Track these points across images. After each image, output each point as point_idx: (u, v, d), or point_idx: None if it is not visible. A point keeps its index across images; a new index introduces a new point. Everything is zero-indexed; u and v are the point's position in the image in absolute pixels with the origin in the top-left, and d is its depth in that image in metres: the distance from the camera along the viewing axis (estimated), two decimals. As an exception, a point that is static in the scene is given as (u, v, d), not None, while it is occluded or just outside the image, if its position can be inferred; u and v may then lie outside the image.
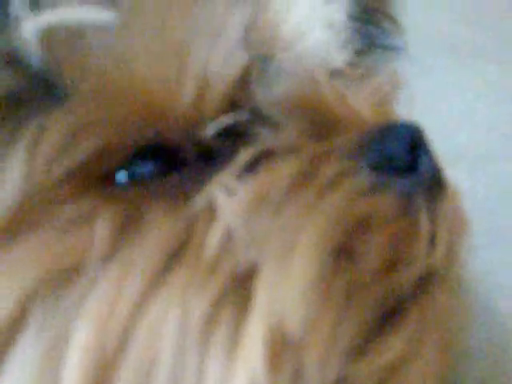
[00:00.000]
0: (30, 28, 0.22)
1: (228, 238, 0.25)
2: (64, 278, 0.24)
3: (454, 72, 0.53)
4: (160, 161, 0.27)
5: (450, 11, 0.62)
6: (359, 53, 0.44)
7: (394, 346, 0.26)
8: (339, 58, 0.35)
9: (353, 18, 0.42)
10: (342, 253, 0.25)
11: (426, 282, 0.27)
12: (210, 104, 0.27)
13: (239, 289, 0.24)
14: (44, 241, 0.24)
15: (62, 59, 0.24)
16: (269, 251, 0.24)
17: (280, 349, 0.23)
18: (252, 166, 0.26)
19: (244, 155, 0.26)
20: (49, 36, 0.23)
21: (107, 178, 0.26)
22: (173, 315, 0.24)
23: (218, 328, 0.23)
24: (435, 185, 0.28)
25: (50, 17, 0.22)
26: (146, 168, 0.26)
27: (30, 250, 0.24)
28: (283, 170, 0.26)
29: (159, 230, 0.25)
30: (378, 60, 0.48)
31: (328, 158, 0.27)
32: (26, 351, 0.24)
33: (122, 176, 0.26)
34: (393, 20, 0.45)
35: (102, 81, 0.25)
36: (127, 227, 0.25)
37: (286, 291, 0.23)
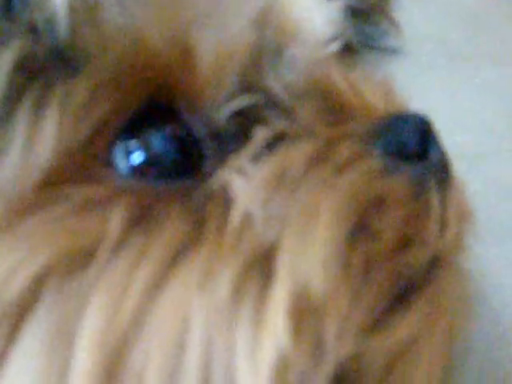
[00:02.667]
0: (59, 1, 0.22)
1: (246, 218, 0.25)
2: (77, 260, 0.24)
3: (448, 72, 0.54)
4: (174, 142, 0.27)
5: (445, 12, 0.63)
6: (353, 51, 0.45)
7: (406, 324, 0.26)
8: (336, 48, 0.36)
9: (352, 14, 0.43)
10: (359, 229, 0.25)
11: (434, 265, 0.28)
12: (222, 84, 0.27)
13: (262, 264, 0.24)
14: (60, 217, 0.24)
15: (81, 30, 0.24)
16: (289, 226, 0.25)
17: (302, 317, 0.23)
18: (267, 149, 0.27)
19: (259, 137, 0.27)
20: (72, 9, 0.23)
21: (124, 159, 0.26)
22: (195, 295, 0.24)
23: (244, 302, 0.24)
24: (443, 173, 0.29)
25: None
26: (160, 148, 0.26)
27: (47, 225, 0.24)
28: (299, 151, 0.26)
29: (172, 215, 0.25)
30: (372, 61, 0.49)
31: (343, 141, 0.27)
32: (36, 330, 0.23)
33: (139, 156, 0.26)
34: (392, 20, 0.46)
35: (116, 49, 0.25)
36: (141, 215, 0.25)
37: (308, 260, 0.24)
